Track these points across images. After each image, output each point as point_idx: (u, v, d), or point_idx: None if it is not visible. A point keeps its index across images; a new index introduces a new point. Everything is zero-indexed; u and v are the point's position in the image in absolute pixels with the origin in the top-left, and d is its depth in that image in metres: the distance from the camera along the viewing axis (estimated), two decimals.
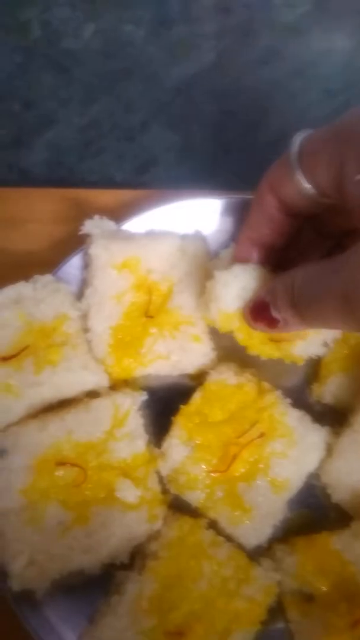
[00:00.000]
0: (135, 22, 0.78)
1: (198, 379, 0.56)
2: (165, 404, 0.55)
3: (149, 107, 0.76)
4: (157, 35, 0.78)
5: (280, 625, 0.49)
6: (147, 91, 0.77)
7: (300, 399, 0.55)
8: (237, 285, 0.47)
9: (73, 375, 0.51)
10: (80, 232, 0.55)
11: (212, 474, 0.50)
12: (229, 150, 0.77)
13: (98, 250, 0.53)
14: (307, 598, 0.48)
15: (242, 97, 0.77)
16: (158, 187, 0.69)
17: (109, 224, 0.56)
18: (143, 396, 0.54)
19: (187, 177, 0.74)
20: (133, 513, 0.48)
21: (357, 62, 0.77)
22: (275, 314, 0.43)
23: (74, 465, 0.48)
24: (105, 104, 0.76)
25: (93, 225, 0.55)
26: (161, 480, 0.52)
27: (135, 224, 0.59)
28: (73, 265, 0.57)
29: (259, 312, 0.44)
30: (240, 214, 0.59)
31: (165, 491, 0.51)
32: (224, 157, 0.77)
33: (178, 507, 0.52)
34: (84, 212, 0.60)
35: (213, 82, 0.77)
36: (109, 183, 0.74)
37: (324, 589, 0.47)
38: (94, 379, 0.52)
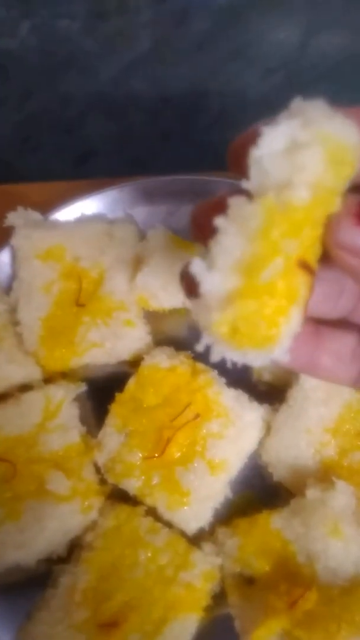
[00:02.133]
0: (71, 16, 0.78)
1: (137, 365, 0.55)
2: (106, 394, 0.54)
3: (86, 99, 0.76)
4: (93, 27, 0.78)
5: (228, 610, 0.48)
6: (85, 83, 0.77)
7: (244, 378, 0.54)
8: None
9: None
10: (4, 225, 0.54)
11: (148, 460, 0.49)
12: (168, 136, 0.77)
13: (20, 240, 0.52)
14: (248, 581, 0.46)
15: (179, 83, 0.76)
16: (97, 177, 0.68)
17: (34, 215, 0.55)
18: (81, 387, 0.53)
19: (127, 165, 0.74)
20: (66, 505, 0.47)
21: (294, 39, 0.76)
22: None
23: (2, 460, 0.47)
24: (42, 99, 0.75)
25: (17, 217, 0.54)
26: (99, 470, 0.51)
27: (67, 214, 0.58)
28: (1, 260, 0.56)
29: None
30: (171, 194, 0.58)
31: (103, 481, 0.50)
32: (164, 143, 0.77)
33: (121, 497, 0.51)
34: (15, 206, 0.59)
35: (150, 70, 0.77)
36: (48, 177, 0.73)
37: (266, 569, 0.46)
38: (22, 372, 0.51)
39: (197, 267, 0.23)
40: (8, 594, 0.48)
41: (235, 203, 0.23)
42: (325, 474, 0.48)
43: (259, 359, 0.25)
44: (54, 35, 0.78)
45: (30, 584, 0.48)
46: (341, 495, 0.45)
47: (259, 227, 0.23)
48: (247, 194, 0.24)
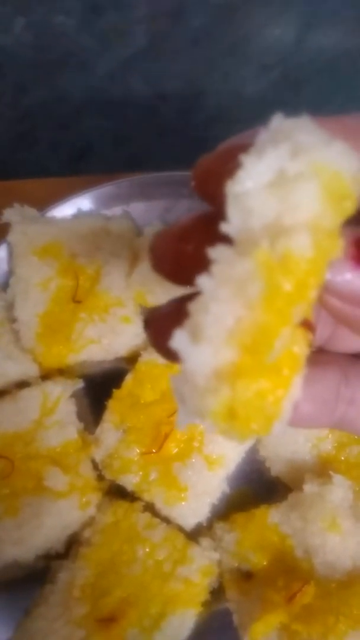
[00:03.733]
0: (66, 12, 0.78)
1: (134, 362, 0.55)
2: (103, 390, 0.54)
3: (82, 95, 0.75)
4: (89, 23, 0.78)
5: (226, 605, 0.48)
6: (80, 80, 0.76)
7: None
8: None
9: None
10: (1, 221, 0.54)
11: (145, 456, 0.49)
12: (164, 133, 0.77)
13: (16, 236, 0.52)
14: (246, 576, 0.46)
15: (175, 79, 0.76)
16: (94, 173, 0.68)
17: (30, 211, 0.55)
18: (78, 384, 0.53)
19: (124, 162, 0.74)
20: (64, 501, 0.47)
21: (290, 35, 0.76)
22: None
23: (0, 457, 0.47)
24: (38, 95, 0.75)
25: (13, 213, 0.54)
26: (97, 466, 0.51)
27: (64, 210, 0.58)
28: None
29: None
30: (168, 190, 0.58)
31: (101, 477, 0.50)
32: (159, 140, 0.76)
33: (119, 493, 0.51)
34: (11, 203, 0.59)
35: (146, 66, 0.76)
36: (44, 173, 0.73)
37: (264, 563, 0.46)
38: (20, 368, 0.51)
39: (180, 341, 0.18)
40: (7, 590, 0.48)
41: (221, 257, 0.19)
42: (322, 469, 0.48)
43: (251, 438, 0.20)
44: (49, 31, 0.78)
45: (29, 580, 0.48)
46: (339, 489, 0.45)
47: (260, 293, 0.18)
48: (229, 240, 0.19)
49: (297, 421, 0.25)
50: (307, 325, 0.20)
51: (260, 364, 0.19)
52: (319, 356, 0.27)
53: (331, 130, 0.20)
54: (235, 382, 0.19)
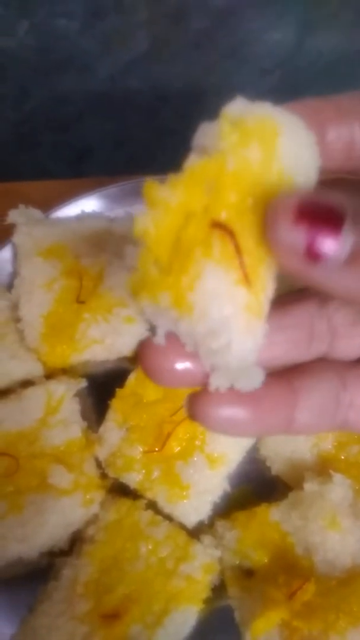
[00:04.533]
0: (68, 15, 0.78)
1: (137, 361, 0.55)
2: (106, 390, 0.55)
3: (83, 98, 0.76)
4: (91, 26, 0.78)
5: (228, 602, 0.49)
6: (82, 82, 0.77)
7: None
8: None
9: (1, 365, 0.50)
10: (5, 222, 0.55)
11: (148, 454, 0.50)
12: (165, 136, 0.77)
13: (21, 238, 0.53)
14: (247, 573, 0.47)
15: (176, 82, 0.77)
16: (96, 176, 0.69)
17: (35, 213, 0.55)
18: (82, 383, 0.54)
19: (124, 165, 0.74)
20: (67, 499, 0.47)
21: (290, 38, 0.77)
22: (346, 239, 0.22)
23: (5, 454, 0.48)
24: (39, 97, 0.76)
25: (18, 215, 0.55)
26: (100, 465, 0.51)
27: (67, 212, 0.59)
28: (3, 258, 0.57)
29: (314, 221, 0.22)
30: None
31: (104, 476, 0.51)
32: (160, 143, 0.77)
33: (122, 491, 0.51)
34: (16, 205, 0.60)
35: (147, 70, 0.77)
36: (46, 176, 0.74)
37: (265, 561, 0.46)
38: (25, 368, 0.52)
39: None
40: (10, 587, 0.48)
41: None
42: (322, 467, 0.49)
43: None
44: (51, 34, 0.79)
45: (33, 577, 0.49)
46: (339, 488, 0.46)
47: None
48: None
49: (298, 430, 0.27)
50: (220, 226, 0.22)
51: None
52: (315, 365, 0.28)
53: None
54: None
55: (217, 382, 0.24)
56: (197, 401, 0.26)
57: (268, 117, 0.22)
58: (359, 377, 0.27)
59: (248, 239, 0.22)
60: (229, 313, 0.22)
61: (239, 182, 0.22)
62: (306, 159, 0.23)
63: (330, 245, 0.21)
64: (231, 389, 0.25)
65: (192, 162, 0.22)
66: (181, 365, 0.25)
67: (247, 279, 0.22)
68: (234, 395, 0.25)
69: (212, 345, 0.22)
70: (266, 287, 0.23)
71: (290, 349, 0.27)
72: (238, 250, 0.22)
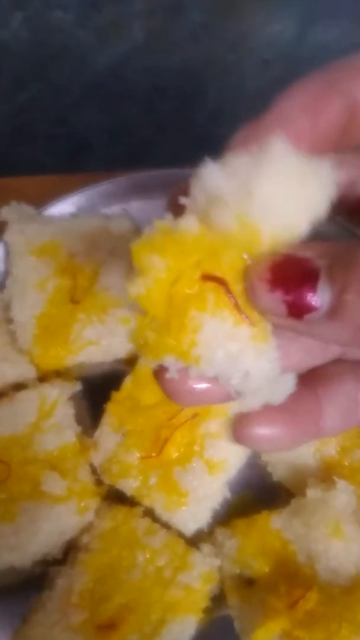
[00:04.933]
0: (63, 7, 0.76)
1: (133, 364, 0.54)
2: (101, 393, 0.53)
3: (80, 90, 0.74)
4: (87, 18, 0.77)
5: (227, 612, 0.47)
6: (78, 74, 0.75)
7: None
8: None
9: None
10: None
11: (145, 460, 0.48)
12: (164, 129, 0.76)
13: (13, 236, 0.51)
14: (248, 582, 0.46)
15: (174, 75, 0.75)
16: (92, 170, 0.67)
17: (27, 209, 0.54)
18: (76, 386, 0.52)
19: (122, 158, 0.73)
20: (61, 506, 0.46)
21: (291, 30, 0.75)
22: (323, 296, 0.22)
23: None
24: (35, 90, 0.74)
25: (10, 212, 0.53)
26: (95, 471, 0.50)
27: (62, 209, 0.57)
28: None
29: (289, 283, 0.23)
30: (167, 187, 0.57)
31: (99, 482, 0.49)
32: (159, 136, 0.75)
33: (118, 498, 0.50)
34: (9, 201, 0.58)
35: (144, 61, 0.75)
36: (41, 169, 0.72)
37: (266, 570, 0.45)
38: (17, 370, 0.50)
39: None
40: (3, 596, 0.47)
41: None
42: (326, 473, 0.47)
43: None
44: (46, 26, 0.77)
45: (26, 587, 0.47)
46: (342, 495, 0.44)
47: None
48: None
49: (327, 434, 0.30)
50: (212, 278, 0.24)
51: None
52: (333, 369, 0.30)
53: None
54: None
55: (249, 404, 0.26)
56: (237, 425, 0.28)
57: (245, 225, 0.23)
58: None
59: (239, 281, 0.24)
60: (235, 351, 0.23)
61: (225, 246, 0.23)
62: (291, 213, 0.23)
63: (309, 302, 0.22)
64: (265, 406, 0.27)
65: (180, 228, 0.24)
66: (200, 386, 0.26)
67: (247, 318, 0.24)
68: (269, 413, 0.28)
69: (230, 381, 0.24)
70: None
71: (304, 357, 0.27)
72: (232, 295, 0.23)
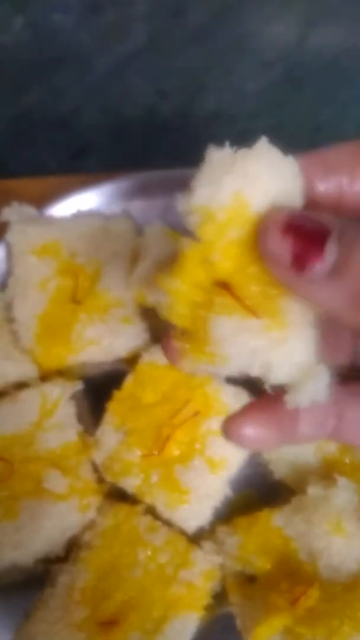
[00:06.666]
0: (65, 10, 0.77)
1: (134, 363, 0.54)
2: (103, 392, 0.53)
3: (81, 93, 0.75)
4: (87, 21, 0.77)
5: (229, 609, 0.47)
6: (79, 77, 0.76)
7: (244, 375, 0.54)
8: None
9: None
10: None
11: (147, 458, 0.48)
12: (164, 130, 0.76)
13: (15, 236, 0.52)
14: (249, 579, 0.46)
15: (175, 77, 0.76)
16: (92, 172, 0.68)
17: (29, 210, 0.54)
18: (77, 386, 0.52)
19: (123, 161, 0.73)
20: (63, 504, 0.46)
21: (292, 31, 0.76)
22: (330, 253, 0.23)
23: None
24: (36, 93, 0.75)
25: (11, 212, 0.53)
26: (97, 469, 0.50)
27: (63, 209, 0.58)
28: None
29: (301, 234, 0.24)
30: (168, 188, 0.57)
31: (101, 480, 0.50)
32: (159, 138, 0.76)
33: (120, 496, 0.50)
34: (10, 202, 0.58)
35: (145, 64, 0.76)
36: (43, 173, 0.73)
37: (268, 567, 0.45)
38: (19, 370, 0.50)
39: None
40: (6, 594, 0.47)
41: None
42: (327, 471, 0.47)
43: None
44: (47, 29, 0.77)
45: (29, 584, 0.47)
46: (343, 492, 0.44)
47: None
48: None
49: (302, 439, 0.32)
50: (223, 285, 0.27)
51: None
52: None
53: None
54: None
55: (295, 401, 0.26)
56: (227, 424, 0.32)
57: (236, 198, 0.25)
58: (350, 394, 0.31)
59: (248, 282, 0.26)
60: (253, 343, 0.26)
61: (228, 251, 0.26)
62: (288, 191, 0.26)
63: (314, 257, 0.23)
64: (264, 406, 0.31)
65: (184, 248, 0.27)
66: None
67: (255, 312, 0.26)
68: (255, 414, 0.31)
69: (255, 373, 0.26)
70: (284, 305, 0.26)
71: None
72: (233, 294, 0.26)
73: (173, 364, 0.30)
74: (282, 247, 0.23)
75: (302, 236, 0.23)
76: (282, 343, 0.26)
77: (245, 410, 0.32)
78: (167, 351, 0.30)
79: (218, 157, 0.26)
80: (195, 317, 0.27)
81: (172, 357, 0.30)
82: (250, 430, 0.31)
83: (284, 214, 0.24)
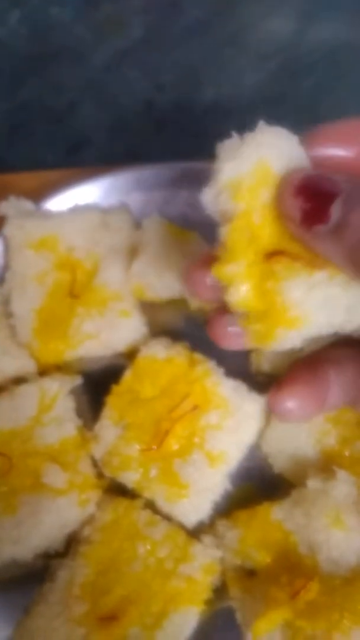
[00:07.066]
0: (61, 3, 0.77)
1: (133, 357, 0.54)
2: (101, 387, 0.53)
3: (78, 87, 0.74)
4: (84, 14, 0.77)
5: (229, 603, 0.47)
6: (77, 71, 0.75)
7: (242, 369, 0.53)
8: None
9: None
10: None
11: (146, 453, 0.48)
12: (162, 124, 0.76)
13: (12, 230, 0.51)
14: (249, 573, 0.46)
15: (172, 71, 0.75)
16: (90, 166, 0.67)
17: (26, 204, 0.54)
18: (76, 380, 0.52)
19: (121, 155, 0.73)
20: (62, 498, 0.46)
21: (290, 25, 0.75)
22: (335, 211, 0.25)
23: None
24: (33, 87, 0.74)
25: (8, 206, 0.53)
26: (96, 464, 0.50)
27: (60, 203, 0.57)
28: None
29: (310, 195, 0.26)
30: (166, 181, 0.57)
31: (100, 475, 0.49)
32: (157, 131, 0.75)
33: (119, 490, 0.50)
34: (6, 196, 0.58)
35: (143, 58, 0.75)
36: (40, 167, 0.72)
37: (268, 560, 0.45)
38: (17, 364, 0.50)
39: None
40: (5, 589, 0.47)
41: None
42: (326, 464, 0.47)
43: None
44: (44, 23, 0.77)
45: (28, 579, 0.47)
46: (343, 485, 0.44)
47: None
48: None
49: (330, 409, 0.37)
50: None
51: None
52: (339, 351, 0.37)
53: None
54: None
55: None
56: (272, 399, 0.37)
57: (259, 162, 0.28)
58: None
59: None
60: (331, 293, 0.28)
61: (265, 214, 0.28)
62: (299, 157, 0.29)
63: (320, 215, 0.25)
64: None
65: (226, 231, 0.29)
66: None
67: (314, 266, 0.28)
68: (295, 388, 0.36)
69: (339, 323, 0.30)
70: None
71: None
72: (292, 256, 0.29)
73: (229, 347, 0.35)
74: (293, 206, 0.26)
75: (312, 196, 0.26)
76: (352, 284, 0.28)
77: (285, 384, 0.35)
78: (220, 338, 0.34)
79: (230, 142, 0.29)
80: (263, 293, 0.29)
81: (227, 342, 0.34)
82: (292, 403, 0.35)
83: (298, 175, 0.26)
